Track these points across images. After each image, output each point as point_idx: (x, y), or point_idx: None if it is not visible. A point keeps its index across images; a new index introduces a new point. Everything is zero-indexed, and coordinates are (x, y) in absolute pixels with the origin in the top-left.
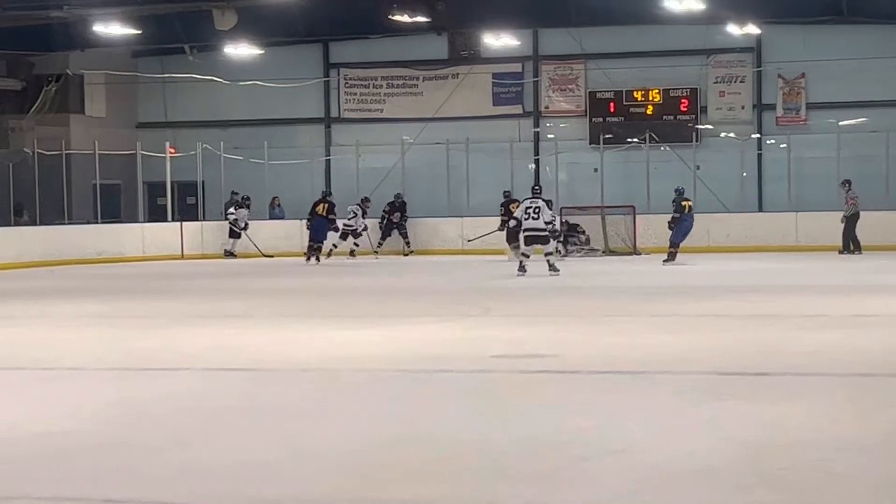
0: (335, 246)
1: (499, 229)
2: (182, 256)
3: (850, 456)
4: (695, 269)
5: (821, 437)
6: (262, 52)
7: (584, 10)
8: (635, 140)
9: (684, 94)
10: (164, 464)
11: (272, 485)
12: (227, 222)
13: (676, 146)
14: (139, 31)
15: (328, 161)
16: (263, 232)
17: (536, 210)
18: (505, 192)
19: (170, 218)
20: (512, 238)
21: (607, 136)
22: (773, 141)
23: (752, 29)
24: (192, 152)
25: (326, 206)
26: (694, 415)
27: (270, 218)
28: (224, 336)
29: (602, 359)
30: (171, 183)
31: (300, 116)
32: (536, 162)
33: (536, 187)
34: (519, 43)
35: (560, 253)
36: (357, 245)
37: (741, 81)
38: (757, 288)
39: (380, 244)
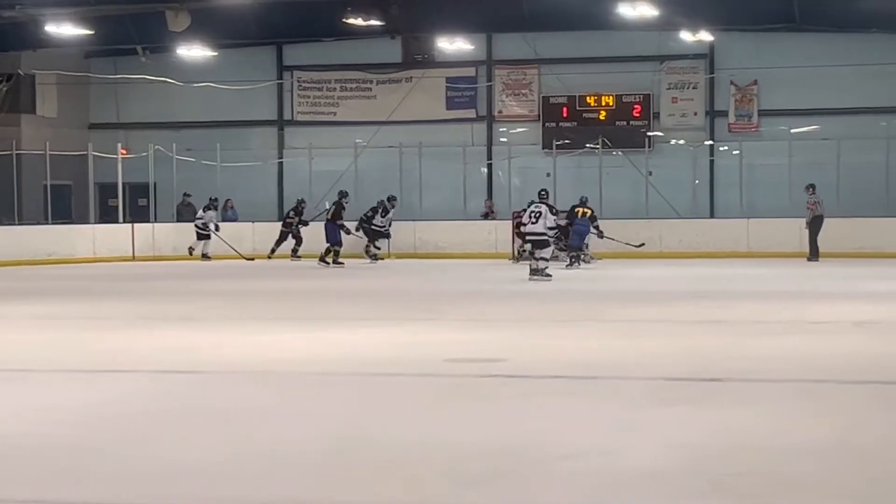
0: (378, 248)
1: None
2: (133, 258)
3: (800, 461)
4: (648, 274)
5: (771, 442)
6: (216, 53)
7: (537, 15)
8: (588, 145)
9: (637, 99)
10: (114, 465)
11: (224, 486)
12: (195, 224)
13: (629, 152)
14: (91, 32)
15: (281, 163)
16: (226, 233)
17: (536, 215)
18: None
19: (121, 219)
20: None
21: (560, 140)
22: (725, 147)
23: (705, 36)
24: (144, 154)
25: (333, 209)
26: (645, 420)
27: (223, 220)
28: (175, 338)
29: (554, 363)
30: (123, 184)
31: (253, 119)
32: (489, 166)
33: (543, 192)
34: (473, 47)
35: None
36: (378, 248)
37: (694, 88)
38: (708, 294)
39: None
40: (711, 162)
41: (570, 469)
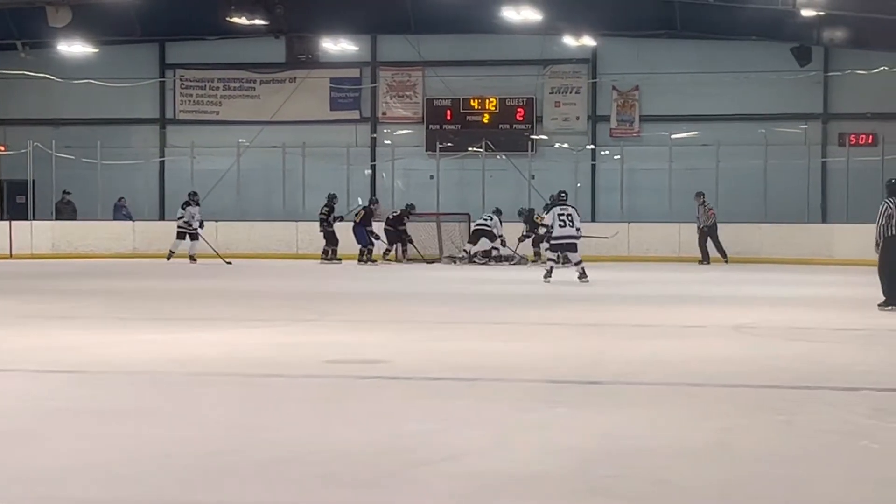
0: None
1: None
2: (11, 256)
3: (678, 463)
4: (528, 277)
5: (650, 444)
6: (97, 50)
7: (422, 17)
8: (471, 148)
9: (520, 103)
10: None
11: (96, 487)
12: (176, 223)
13: (512, 155)
14: None
15: (162, 162)
16: (106, 231)
17: (569, 217)
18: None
19: None
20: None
21: (444, 143)
22: (606, 152)
23: (588, 41)
24: (23, 150)
25: (363, 213)
26: (526, 422)
27: (115, 219)
28: (51, 337)
29: (436, 365)
30: (1, 181)
31: (134, 117)
32: (373, 168)
33: (563, 193)
34: (357, 48)
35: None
36: (497, 250)
37: (576, 92)
38: (589, 297)
39: (388, 250)
40: (593, 166)
41: (449, 471)
